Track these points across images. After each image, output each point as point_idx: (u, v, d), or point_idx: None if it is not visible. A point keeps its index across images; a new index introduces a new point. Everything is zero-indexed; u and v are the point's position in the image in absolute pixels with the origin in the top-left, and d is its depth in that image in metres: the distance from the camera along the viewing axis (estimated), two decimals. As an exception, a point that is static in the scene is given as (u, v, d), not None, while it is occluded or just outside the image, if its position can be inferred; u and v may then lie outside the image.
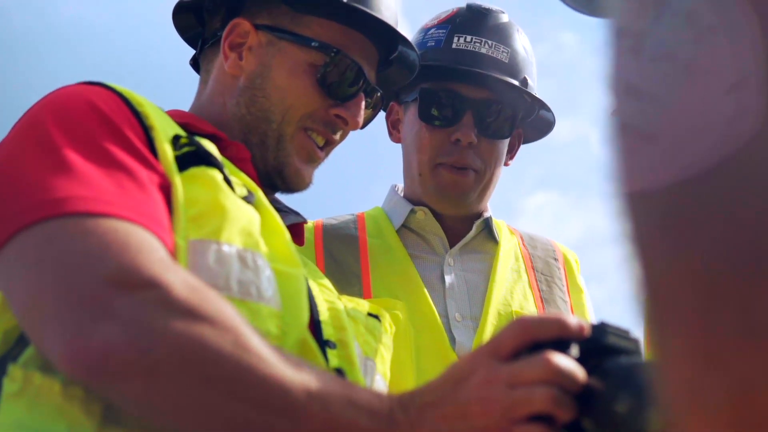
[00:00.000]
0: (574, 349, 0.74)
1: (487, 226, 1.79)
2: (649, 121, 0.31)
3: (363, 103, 1.22)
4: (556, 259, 1.80)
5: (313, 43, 1.18)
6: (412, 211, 1.75)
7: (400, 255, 1.70)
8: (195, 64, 1.31)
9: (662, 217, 0.30)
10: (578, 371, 0.72)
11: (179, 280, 0.80)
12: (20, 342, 0.85)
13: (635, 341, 0.75)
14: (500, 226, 1.81)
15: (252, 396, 0.76)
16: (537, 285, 1.73)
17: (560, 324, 0.75)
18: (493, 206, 1.84)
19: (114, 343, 0.75)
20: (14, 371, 0.83)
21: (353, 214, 1.80)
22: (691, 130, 0.29)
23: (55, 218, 0.82)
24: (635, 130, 0.31)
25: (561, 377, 0.71)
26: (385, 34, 1.25)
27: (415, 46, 1.32)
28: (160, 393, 0.76)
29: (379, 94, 1.28)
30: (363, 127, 1.28)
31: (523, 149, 1.88)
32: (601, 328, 0.75)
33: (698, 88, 0.29)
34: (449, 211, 1.74)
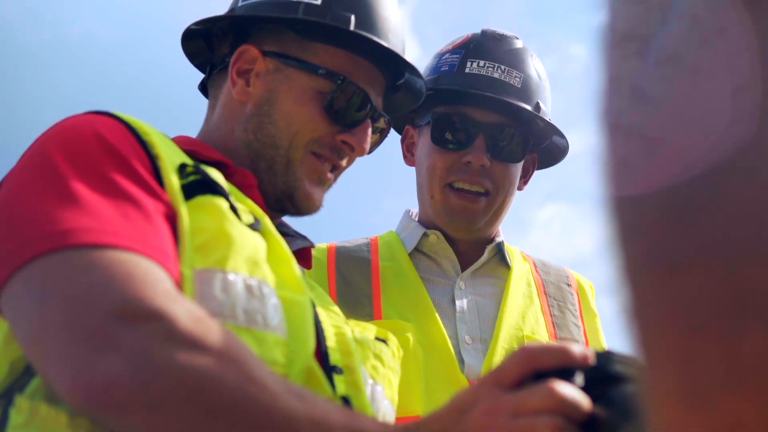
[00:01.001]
0: (579, 378, 0.73)
1: (500, 251, 1.78)
2: (654, 124, 0.30)
3: (369, 130, 1.22)
4: (569, 285, 1.79)
5: (320, 71, 1.18)
6: (424, 235, 1.76)
7: (411, 278, 1.70)
8: (204, 89, 1.32)
9: (653, 224, 0.30)
10: (582, 400, 0.71)
11: (184, 311, 0.80)
12: (27, 372, 0.85)
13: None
14: (513, 252, 1.80)
15: (256, 427, 0.75)
16: (549, 310, 1.72)
17: (564, 352, 0.74)
18: (503, 221, 1.82)
19: (118, 376, 0.75)
20: (21, 402, 0.82)
21: (367, 238, 1.81)
22: (696, 134, 0.28)
23: (60, 250, 0.81)
24: (639, 133, 0.31)
25: (565, 406, 0.70)
26: (392, 61, 1.25)
27: (421, 73, 1.32)
28: (165, 425, 0.75)
29: (385, 119, 1.28)
30: (370, 152, 1.27)
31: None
32: (606, 356, 0.74)
33: (704, 91, 0.28)
34: (460, 234, 1.74)
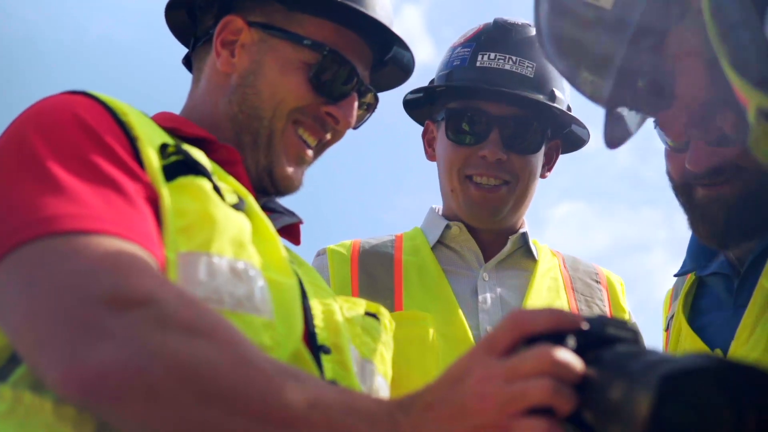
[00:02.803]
0: (571, 341, 0.70)
1: (525, 242, 1.74)
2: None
3: (356, 103, 1.18)
4: (597, 282, 1.75)
5: (305, 41, 1.14)
6: (447, 227, 1.73)
7: (433, 271, 1.67)
8: (188, 63, 1.27)
9: None
10: (575, 362, 0.68)
11: (174, 295, 0.77)
12: (11, 362, 0.82)
13: (634, 331, 0.71)
14: (541, 248, 1.76)
15: (253, 410, 0.72)
16: (576, 305, 1.68)
17: (555, 316, 0.71)
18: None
19: (111, 364, 0.72)
20: (3, 391, 0.79)
21: (392, 235, 1.78)
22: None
23: (44, 237, 0.79)
24: None
25: (557, 368, 0.67)
26: (379, 34, 1.21)
27: (409, 46, 1.27)
28: (160, 412, 0.72)
29: (373, 94, 1.23)
30: (356, 127, 1.23)
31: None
32: (599, 320, 0.71)
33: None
34: (483, 225, 1.71)
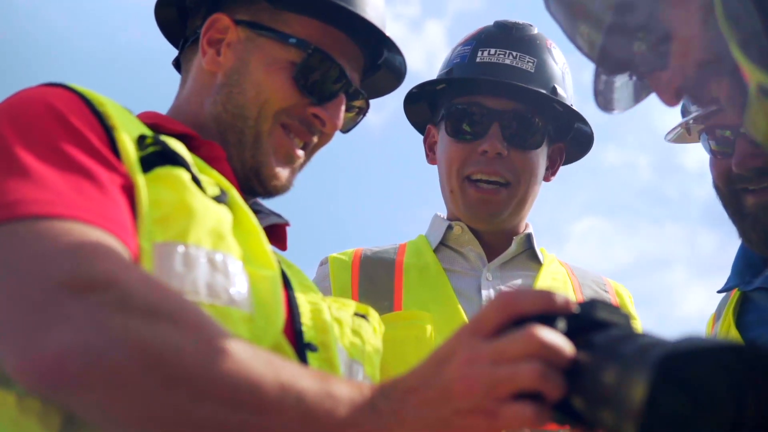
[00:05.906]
0: (561, 324, 0.65)
1: (530, 245, 1.69)
2: None
3: (343, 105, 1.13)
4: (606, 291, 1.70)
5: (291, 40, 1.10)
6: (449, 228, 1.68)
7: (435, 270, 1.63)
8: (178, 65, 1.24)
9: None
10: (565, 345, 0.63)
11: (137, 279, 0.73)
12: None
13: (625, 316, 0.66)
14: (548, 255, 1.71)
15: (220, 394, 0.68)
16: None
17: (545, 297, 0.66)
18: (539, 231, 1.74)
19: (69, 349, 0.68)
20: None
21: (396, 244, 1.74)
22: None
23: (7, 222, 0.76)
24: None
25: (547, 351, 0.63)
26: (370, 37, 1.16)
27: (400, 49, 1.22)
28: (123, 397, 0.68)
29: (363, 97, 1.18)
30: (345, 131, 1.19)
31: (569, 173, 1.80)
32: (590, 304, 0.66)
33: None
34: (483, 227, 1.66)
